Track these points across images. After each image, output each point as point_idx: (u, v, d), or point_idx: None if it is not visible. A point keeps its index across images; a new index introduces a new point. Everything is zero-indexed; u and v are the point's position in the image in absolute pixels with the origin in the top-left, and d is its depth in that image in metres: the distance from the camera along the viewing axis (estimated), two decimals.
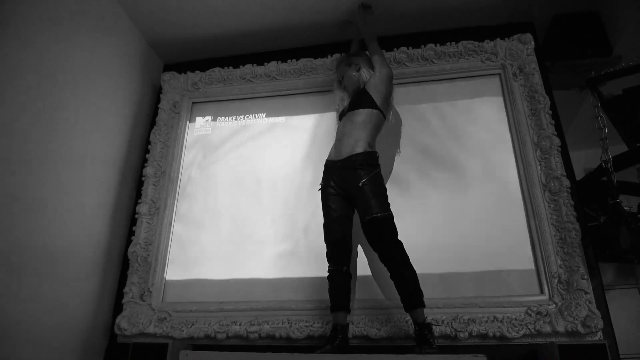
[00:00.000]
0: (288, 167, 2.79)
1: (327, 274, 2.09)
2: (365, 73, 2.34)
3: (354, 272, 2.34)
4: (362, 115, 2.19)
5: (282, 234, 2.62)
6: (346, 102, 2.38)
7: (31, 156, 2.14)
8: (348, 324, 2.04)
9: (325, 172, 2.24)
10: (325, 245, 2.14)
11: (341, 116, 2.35)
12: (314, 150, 2.79)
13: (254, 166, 2.85)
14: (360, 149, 2.11)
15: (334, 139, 2.30)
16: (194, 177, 2.90)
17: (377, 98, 2.23)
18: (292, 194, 2.71)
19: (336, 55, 2.97)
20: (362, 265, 2.41)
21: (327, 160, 2.26)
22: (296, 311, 2.35)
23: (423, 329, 1.86)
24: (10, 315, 1.97)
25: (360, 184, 2.02)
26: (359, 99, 2.26)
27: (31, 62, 2.17)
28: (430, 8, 2.88)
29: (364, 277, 2.39)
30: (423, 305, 1.92)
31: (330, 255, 2.09)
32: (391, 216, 2.00)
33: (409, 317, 2.16)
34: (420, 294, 1.92)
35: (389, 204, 2.05)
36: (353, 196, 2.07)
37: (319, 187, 2.23)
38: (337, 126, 2.41)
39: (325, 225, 2.15)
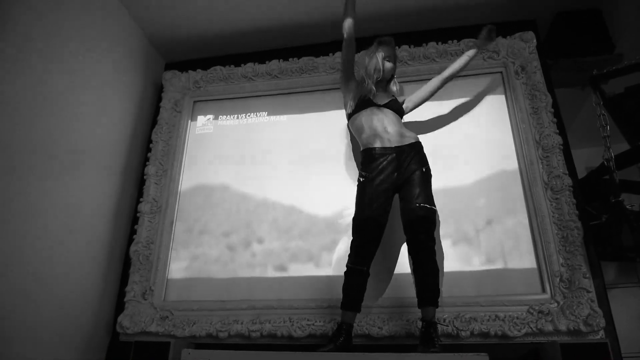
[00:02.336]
0: (290, 166, 2.79)
1: (346, 268, 2.00)
2: (394, 85, 2.38)
3: None
4: (401, 122, 2.25)
5: (284, 233, 2.62)
6: (372, 91, 2.24)
7: (32, 155, 2.14)
8: (353, 324, 2.01)
9: (373, 160, 2.08)
10: (353, 239, 2.04)
11: (367, 102, 2.22)
12: (316, 148, 2.78)
13: (255, 165, 2.85)
14: (413, 139, 2.15)
15: (366, 129, 2.17)
16: (196, 175, 2.90)
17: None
18: (295, 193, 2.71)
19: (338, 54, 2.95)
20: None
21: (372, 148, 2.11)
22: (298, 310, 2.35)
23: (430, 327, 1.85)
24: (12, 314, 1.98)
25: (424, 169, 2.05)
26: (398, 107, 2.27)
27: (32, 61, 2.17)
28: (432, 6, 2.87)
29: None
30: (437, 305, 1.92)
31: (357, 252, 1.99)
32: (436, 210, 2.02)
33: (411, 316, 2.17)
34: (439, 293, 1.93)
35: None
36: (407, 180, 2.03)
37: (362, 178, 2.09)
38: (362, 115, 2.23)
39: (361, 220, 2.01)
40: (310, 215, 2.61)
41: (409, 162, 2.05)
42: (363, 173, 2.09)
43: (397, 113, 2.23)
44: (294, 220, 2.64)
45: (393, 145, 2.09)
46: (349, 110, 2.29)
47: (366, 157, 2.13)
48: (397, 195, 2.11)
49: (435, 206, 2.01)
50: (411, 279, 2.18)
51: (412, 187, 2.01)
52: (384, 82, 2.33)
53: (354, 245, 2.01)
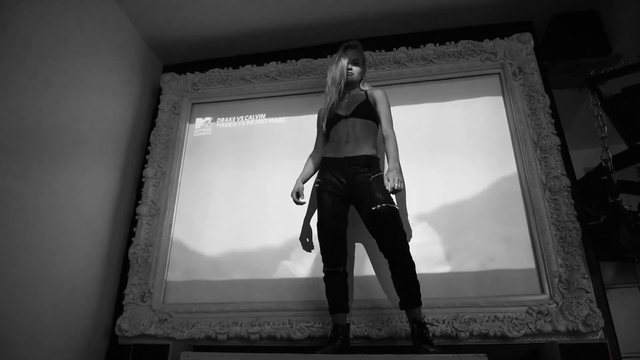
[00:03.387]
0: (289, 167, 2.79)
1: (324, 274, 2.04)
2: (365, 84, 2.35)
3: (352, 273, 2.35)
4: (369, 125, 2.21)
5: (282, 235, 2.62)
6: (334, 102, 2.26)
7: (30, 158, 2.14)
8: (349, 323, 2.03)
9: (324, 168, 2.19)
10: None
11: (334, 118, 2.25)
12: (312, 150, 2.78)
13: (254, 166, 2.85)
14: (368, 151, 2.12)
15: (329, 139, 2.26)
16: (194, 177, 2.90)
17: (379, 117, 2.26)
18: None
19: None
20: (364, 265, 2.41)
21: (327, 158, 2.20)
22: (297, 312, 2.35)
23: (422, 328, 1.85)
24: (11, 317, 1.97)
25: (370, 179, 2.03)
26: (365, 109, 2.23)
27: (30, 64, 2.17)
28: (429, 8, 2.88)
29: (366, 278, 2.39)
30: (421, 304, 1.90)
31: (326, 256, 2.04)
32: (397, 209, 2.01)
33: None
34: (419, 291, 1.91)
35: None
36: (357, 192, 2.05)
37: (316, 184, 2.19)
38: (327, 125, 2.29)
39: (320, 224, 2.09)
40: (310, 218, 2.61)
41: (358, 173, 2.07)
42: (318, 180, 2.19)
43: (366, 118, 2.20)
44: (293, 222, 2.63)
45: (343, 156, 2.12)
46: (323, 132, 2.32)
47: (323, 165, 2.21)
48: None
49: (392, 203, 2.00)
50: None
51: (367, 194, 2.00)
52: (353, 86, 2.32)
53: (322, 251, 2.06)
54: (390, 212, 1.96)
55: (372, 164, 2.11)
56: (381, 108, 2.23)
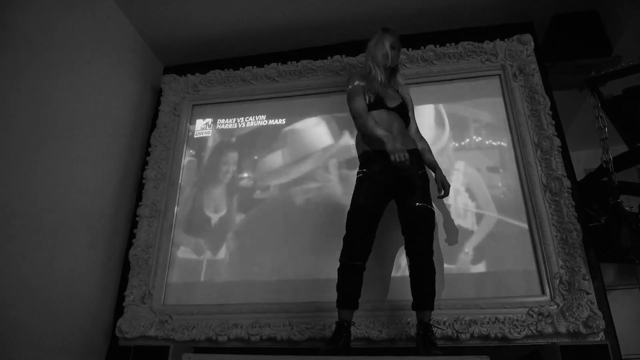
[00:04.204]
0: (289, 169, 2.79)
1: (340, 264, 1.96)
2: (398, 76, 2.39)
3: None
4: (405, 127, 2.23)
5: (283, 235, 2.62)
6: (380, 80, 2.20)
7: (31, 160, 2.14)
8: (353, 322, 1.96)
9: (372, 160, 2.08)
10: (346, 234, 2.00)
11: (378, 103, 2.16)
12: (314, 151, 2.78)
13: (254, 168, 2.85)
14: (414, 146, 2.18)
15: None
16: (195, 179, 2.90)
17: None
18: (294, 195, 2.71)
19: (336, 57, 2.96)
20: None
21: (375, 150, 2.08)
22: (297, 313, 2.34)
23: (428, 330, 1.85)
24: (11, 318, 1.97)
25: (421, 172, 2.07)
26: (404, 108, 2.24)
27: (30, 65, 2.17)
28: (429, 9, 2.88)
29: (366, 278, 2.38)
30: (433, 308, 1.92)
31: (351, 247, 1.95)
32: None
33: (410, 319, 2.16)
34: (434, 296, 1.92)
35: None
36: (406, 184, 2.02)
37: (360, 174, 2.10)
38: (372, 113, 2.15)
39: (356, 209, 2.00)
40: (310, 217, 2.61)
41: (414, 164, 2.05)
42: (363, 170, 2.10)
43: (403, 119, 2.22)
44: (293, 223, 2.63)
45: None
46: (362, 105, 2.18)
47: (368, 157, 2.12)
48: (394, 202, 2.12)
49: (433, 207, 2.03)
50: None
51: (411, 189, 2.01)
52: (389, 72, 2.31)
53: (348, 240, 1.98)
54: (431, 214, 2.00)
55: (419, 158, 2.17)
56: (412, 112, 2.32)
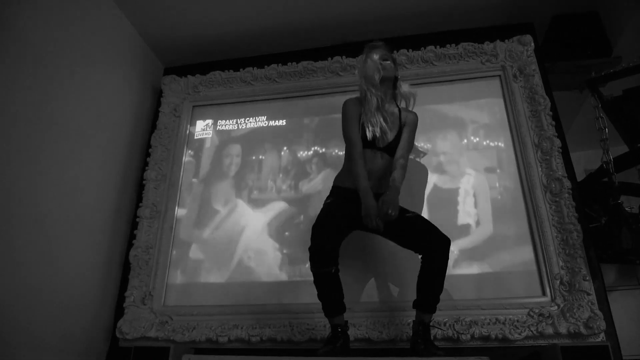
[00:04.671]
0: (289, 170, 2.79)
1: (313, 275, 1.82)
2: (406, 87, 2.18)
3: (353, 273, 2.34)
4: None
5: (283, 236, 2.62)
6: (378, 101, 2.01)
7: (31, 160, 2.14)
8: (346, 321, 1.92)
9: (344, 196, 1.98)
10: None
11: (373, 141, 1.99)
12: (314, 152, 2.79)
13: (254, 169, 2.85)
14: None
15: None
16: (195, 180, 2.90)
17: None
18: (294, 196, 2.71)
19: (337, 58, 2.96)
20: (365, 267, 2.40)
21: (351, 190, 1.95)
22: (298, 314, 2.34)
23: (427, 330, 1.84)
24: (11, 319, 1.97)
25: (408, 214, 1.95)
26: (398, 142, 2.04)
27: (31, 66, 2.17)
28: (429, 10, 2.88)
29: (366, 279, 2.38)
30: (435, 311, 1.87)
31: (318, 259, 1.80)
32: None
33: (410, 320, 2.16)
34: (439, 300, 1.85)
35: None
36: (404, 224, 1.91)
37: (329, 199, 2.01)
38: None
39: (321, 219, 1.90)
40: (310, 219, 2.61)
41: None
42: (332, 199, 2.01)
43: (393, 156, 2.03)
44: (293, 224, 2.64)
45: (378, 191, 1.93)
46: (355, 137, 2.01)
47: (340, 192, 2.03)
48: None
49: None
50: (410, 281, 2.17)
51: (417, 229, 1.91)
52: (389, 85, 2.11)
53: (315, 249, 1.81)
54: (423, 218, 1.97)
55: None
56: (406, 133, 2.06)
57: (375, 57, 2.08)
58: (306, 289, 2.42)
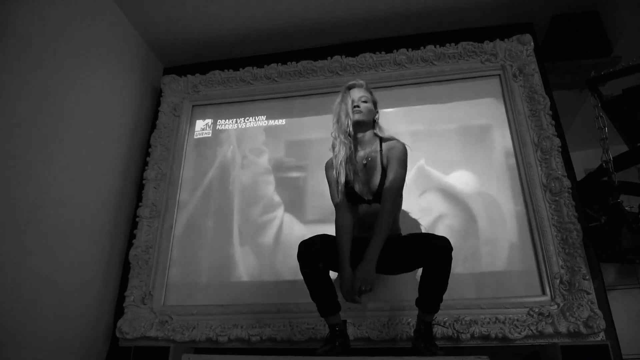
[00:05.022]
0: (289, 170, 2.79)
1: (303, 275, 1.78)
2: (384, 133, 2.01)
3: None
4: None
5: (283, 236, 2.62)
6: (349, 156, 1.89)
7: (31, 160, 2.14)
8: (345, 320, 1.90)
9: None
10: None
11: (352, 195, 1.90)
12: (313, 152, 2.78)
13: (254, 169, 2.85)
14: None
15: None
16: (195, 179, 2.90)
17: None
18: (293, 195, 2.71)
19: (336, 57, 2.96)
20: None
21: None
22: (298, 314, 2.34)
23: (429, 329, 1.83)
24: (11, 319, 1.97)
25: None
26: (380, 189, 1.87)
27: (30, 67, 2.17)
28: (429, 9, 2.88)
29: None
30: (438, 311, 1.83)
31: (304, 258, 1.76)
32: None
33: (411, 320, 2.16)
34: (442, 300, 1.80)
35: None
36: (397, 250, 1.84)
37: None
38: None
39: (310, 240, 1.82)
40: (310, 218, 2.61)
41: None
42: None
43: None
44: (293, 224, 2.63)
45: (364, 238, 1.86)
46: (337, 200, 1.92)
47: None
48: None
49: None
50: (410, 280, 2.17)
51: (411, 247, 1.81)
52: (365, 129, 1.98)
53: (299, 251, 1.79)
54: (411, 234, 1.88)
55: None
56: (390, 173, 1.86)
57: (350, 99, 1.96)
58: (306, 288, 2.43)
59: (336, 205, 1.94)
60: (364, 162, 1.93)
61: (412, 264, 1.91)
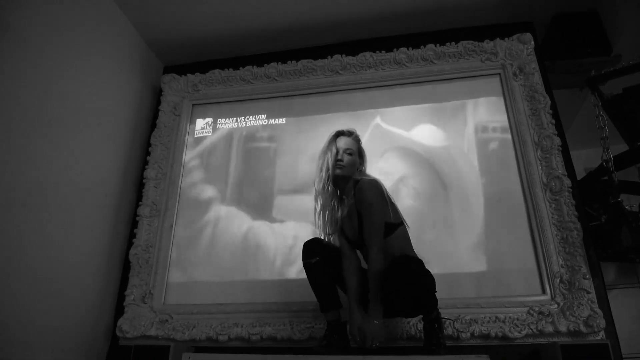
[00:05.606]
0: (289, 169, 2.79)
1: (304, 270, 1.89)
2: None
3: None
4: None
5: (283, 235, 2.62)
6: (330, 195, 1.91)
7: (31, 159, 2.14)
8: (345, 321, 1.90)
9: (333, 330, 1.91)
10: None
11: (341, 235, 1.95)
12: (313, 151, 2.78)
13: (254, 167, 2.85)
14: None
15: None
16: (195, 178, 2.89)
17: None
18: (293, 194, 2.71)
19: (336, 56, 2.96)
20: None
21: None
22: (298, 312, 2.34)
23: (432, 326, 1.82)
24: (11, 319, 1.97)
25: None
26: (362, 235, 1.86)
27: (30, 66, 2.17)
28: (430, 8, 2.88)
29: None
30: (432, 310, 1.84)
31: (305, 250, 1.88)
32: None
33: (411, 319, 2.16)
34: (433, 302, 1.81)
35: None
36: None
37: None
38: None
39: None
40: (310, 217, 2.61)
41: None
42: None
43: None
44: (293, 223, 2.63)
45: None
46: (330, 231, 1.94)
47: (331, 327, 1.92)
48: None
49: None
50: None
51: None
52: (344, 183, 1.93)
53: (304, 244, 1.91)
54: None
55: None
56: (364, 219, 1.80)
57: (335, 149, 1.91)
58: (306, 287, 2.42)
59: (343, 252, 1.94)
60: (346, 210, 1.93)
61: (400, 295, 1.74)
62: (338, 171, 1.88)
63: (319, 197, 1.92)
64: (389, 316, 1.84)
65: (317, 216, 1.92)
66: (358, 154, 1.98)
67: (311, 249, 1.89)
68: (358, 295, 1.83)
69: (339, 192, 1.95)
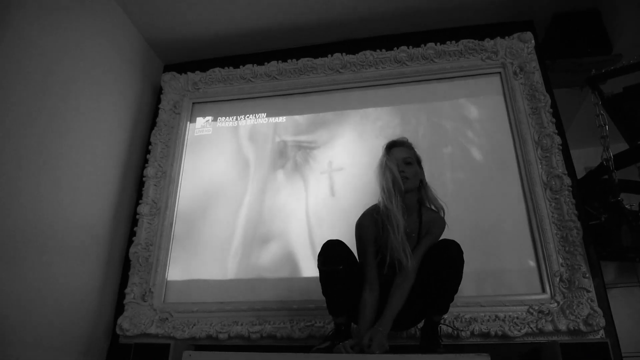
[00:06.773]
0: (289, 167, 2.79)
1: (320, 274, 1.75)
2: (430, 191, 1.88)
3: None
4: None
5: (283, 234, 2.62)
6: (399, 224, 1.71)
7: (31, 158, 2.14)
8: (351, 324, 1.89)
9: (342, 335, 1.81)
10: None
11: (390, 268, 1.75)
12: (312, 150, 2.78)
13: (254, 166, 2.85)
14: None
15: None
16: (195, 177, 2.89)
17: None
18: (294, 193, 2.71)
19: (337, 55, 2.95)
20: None
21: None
22: (298, 311, 2.35)
23: (435, 328, 1.83)
24: (11, 317, 1.97)
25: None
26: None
27: (30, 64, 2.16)
28: (430, 7, 2.88)
29: None
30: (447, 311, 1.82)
31: (324, 254, 1.73)
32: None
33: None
34: (453, 299, 1.77)
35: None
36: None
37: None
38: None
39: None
40: (310, 216, 2.61)
41: None
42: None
43: None
44: (293, 222, 2.63)
45: None
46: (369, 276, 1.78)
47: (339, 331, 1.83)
48: None
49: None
50: None
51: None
52: (413, 194, 1.82)
53: (323, 246, 1.75)
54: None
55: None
56: (422, 246, 1.78)
57: (394, 162, 1.77)
58: (306, 285, 2.43)
59: (367, 279, 1.77)
60: (407, 231, 1.77)
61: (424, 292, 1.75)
62: (407, 184, 1.76)
63: (390, 216, 1.72)
64: (396, 329, 1.81)
65: (396, 234, 1.71)
66: (417, 161, 1.87)
67: (337, 253, 1.72)
68: (372, 323, 1.68)
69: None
